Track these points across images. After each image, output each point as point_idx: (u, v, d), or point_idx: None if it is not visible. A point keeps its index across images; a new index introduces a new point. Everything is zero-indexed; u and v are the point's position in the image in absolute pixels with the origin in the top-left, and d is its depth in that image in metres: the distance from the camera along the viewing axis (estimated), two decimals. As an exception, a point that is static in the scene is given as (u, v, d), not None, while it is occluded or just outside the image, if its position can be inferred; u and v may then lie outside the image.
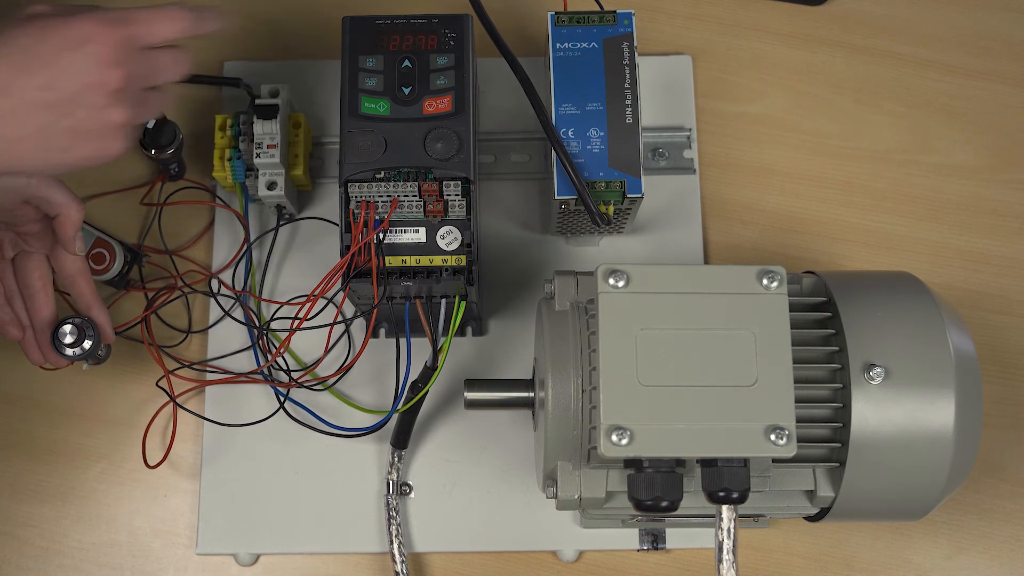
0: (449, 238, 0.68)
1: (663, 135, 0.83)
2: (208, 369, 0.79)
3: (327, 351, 0.78)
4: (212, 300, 0.80)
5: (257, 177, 0.77)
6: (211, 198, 0.82)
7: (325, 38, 0.87)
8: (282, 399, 0.77)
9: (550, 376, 0.63)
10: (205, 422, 0.78)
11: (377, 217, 0.67)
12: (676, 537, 0.76)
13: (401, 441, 0.76)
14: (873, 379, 0.62)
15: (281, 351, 0.78)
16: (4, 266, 0.70)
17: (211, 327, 0.80)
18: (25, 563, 0.77)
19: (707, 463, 0.58)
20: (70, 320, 0.70)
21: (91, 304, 0.70)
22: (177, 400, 0.77)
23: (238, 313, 0.80)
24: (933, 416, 0.62)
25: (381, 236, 0.67)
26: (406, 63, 0.69)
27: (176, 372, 0.78)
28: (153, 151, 0.79)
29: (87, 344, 0.70)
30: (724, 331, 0.59)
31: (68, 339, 0.70)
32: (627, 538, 0.77)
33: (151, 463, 0.77)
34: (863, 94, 0.87)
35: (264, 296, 0.80)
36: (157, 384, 0.77)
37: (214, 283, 0.81)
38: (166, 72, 0.61)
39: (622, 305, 0.59)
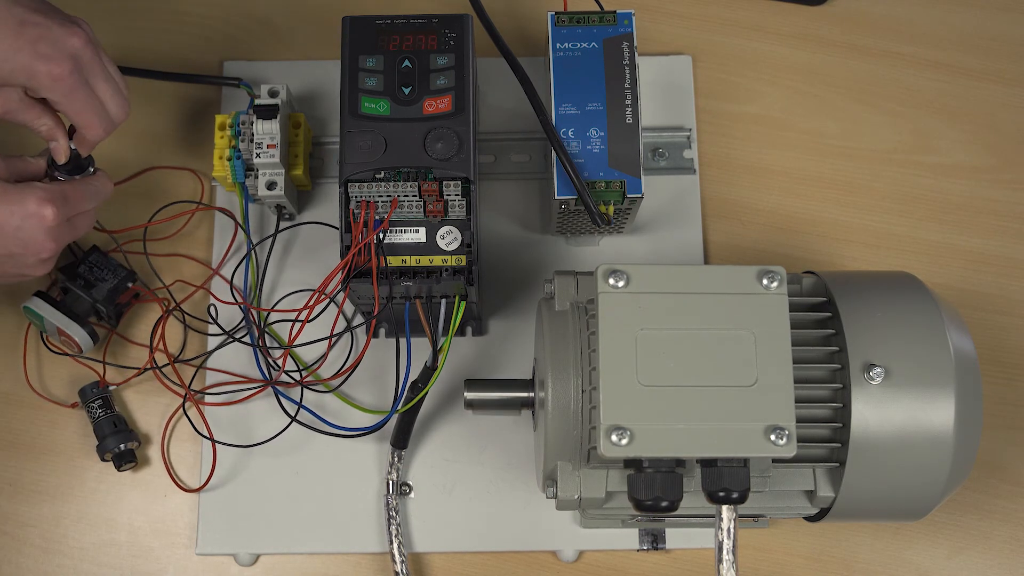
0: (449, 238, 0.68)
1: (663, 135, 0.83)
2: (210, 374, 0.79)
3: (327, 351, 0.78)
4: (212, 300, 0.80)
5: (257, 177, 0.77)
6: (208, 205, 0.82)
7: (325, 38, 0.86)
8: (293, 412, 0.76)
9: (550, 376, 0.63)
10: (205, 421, 0.78)
11: (377, 217, 0.67)
12: (676, 537, 0.76)
13: (401, 441, 0.76)
14: (873, 379, 0.62)
15: (284, 369, 0.77)
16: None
17: (211, 336, 0.80)
18: (25, 563, 0.77)
19: (707, 463, 0.58)
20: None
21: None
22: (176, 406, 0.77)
23: (238, 315, 0.80)
24: (933, 416, 0.62)
25: (381, 236, 0.67)
26: (406, 63, 0.69)
27: (191, 390, 0.78)
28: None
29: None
30: (724, 331, 0.59)
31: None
32: (627, 538, 0.77)
33: (185, 486, 0.78)
34: (863, 94, 0.87)
35: (264, 298, 0.80)
36: (185, 413, 0.78)
37: (213, 286, 0.81)
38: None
39: (622, 305, 0.59)
